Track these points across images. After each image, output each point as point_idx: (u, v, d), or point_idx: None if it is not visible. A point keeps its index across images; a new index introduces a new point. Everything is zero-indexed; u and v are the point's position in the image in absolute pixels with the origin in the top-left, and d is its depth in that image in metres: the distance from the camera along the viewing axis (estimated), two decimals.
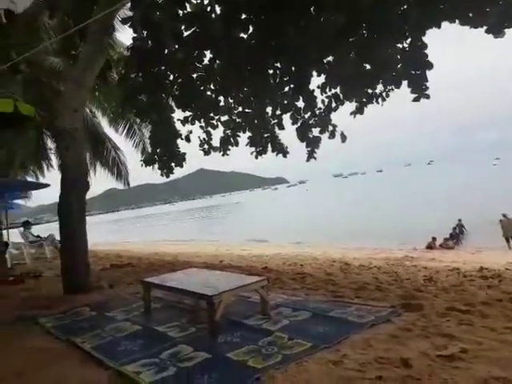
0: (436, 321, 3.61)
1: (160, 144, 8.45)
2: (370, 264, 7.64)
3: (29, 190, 16.51)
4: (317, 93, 7.17)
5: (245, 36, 7.31)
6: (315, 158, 7.75)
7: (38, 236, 13.46)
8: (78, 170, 5.73)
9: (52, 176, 17.12)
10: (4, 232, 12.34)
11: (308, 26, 6.16)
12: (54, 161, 16.73)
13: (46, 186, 15.01)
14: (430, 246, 15.51)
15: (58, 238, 13.25)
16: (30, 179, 17.40)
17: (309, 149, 7.75)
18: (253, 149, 8.37)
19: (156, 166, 9.22)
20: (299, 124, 7.68)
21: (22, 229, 13.56)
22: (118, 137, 14.97)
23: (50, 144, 15.65)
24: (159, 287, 4.38)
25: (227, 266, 7.85)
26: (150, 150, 13.93)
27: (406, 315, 3.81)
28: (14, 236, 14.36)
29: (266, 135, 8.22)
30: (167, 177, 8.97)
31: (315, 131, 7.72)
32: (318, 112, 7.48)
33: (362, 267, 7.31)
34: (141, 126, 14.42)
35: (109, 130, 14.83)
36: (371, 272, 6.82)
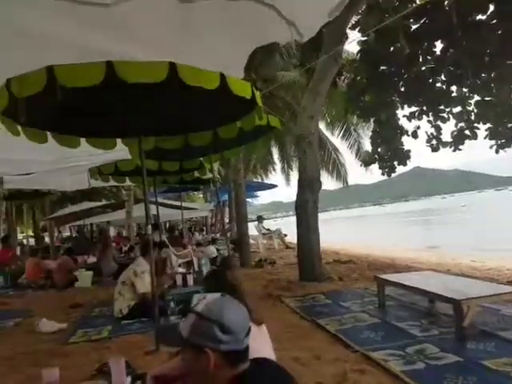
0: None
1: (383, 142, 8.44)
2: None
3: (262, 190, 19.06)
4: None
5: (483, 17, 6.56)
6: None
7: (268, 229, 15.52)
8: (313, 172, 6.39)
9: (273, 178, 19.38)
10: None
11: None
12: (278, 165, 18.96)
13: (275, 186, 17.21)
14: None
15: (283, 232, 15.04)
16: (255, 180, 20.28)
17: None
18: (492, 142, 7.35)
19: (375, 165, 9.25)
20: None
21: (256, 222, 15.86)
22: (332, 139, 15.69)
23: (274, 150, 17.71)
24: (396, 285, 4.42)
25: (460, 276, 7.14)
26: (365, 149, 14.13)
27: None
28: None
29: (510, 125, 7.07)
30: (388, 176, 8.88)
31: None
32: None
33: None
34: (357, 126, 14.71)
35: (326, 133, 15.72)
36: None
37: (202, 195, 31.61)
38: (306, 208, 6.40)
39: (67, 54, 2.63)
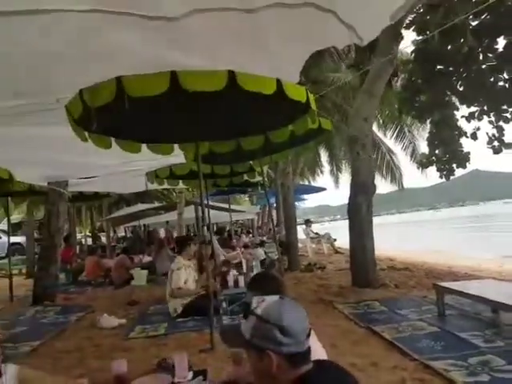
0: None
1: (440, 144, 8.08)
2: None
3: (310, 193, 18.84)
4: None
5: None
6: None
7: (316, 233, 15.28)
8: (367, 175, 6.25)
9: (320, 181, 19.02)
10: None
11: None
12: (326, 167, 18.63)
13: (324, 189, 16.93)
14: None
15: (332, 236, 14.76)
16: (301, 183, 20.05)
17: None
18: None
19: (433, 167, 8.87)
20: None
21: (304, 226, 15.68)
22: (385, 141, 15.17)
23: (323, 152, 17.39)
24: (457, 293, 4.22)
25: None
26: (421, 151, 13.50)
27: None
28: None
29: None
30: (447, 179, 8.47)
31: None
32: None
33: None
34: (411, 127, 14.14)
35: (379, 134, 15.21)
36: None
37: (247, 198, 31.89)
38: (359, 212, 6.27)
39: (129, 65, 2.75)
